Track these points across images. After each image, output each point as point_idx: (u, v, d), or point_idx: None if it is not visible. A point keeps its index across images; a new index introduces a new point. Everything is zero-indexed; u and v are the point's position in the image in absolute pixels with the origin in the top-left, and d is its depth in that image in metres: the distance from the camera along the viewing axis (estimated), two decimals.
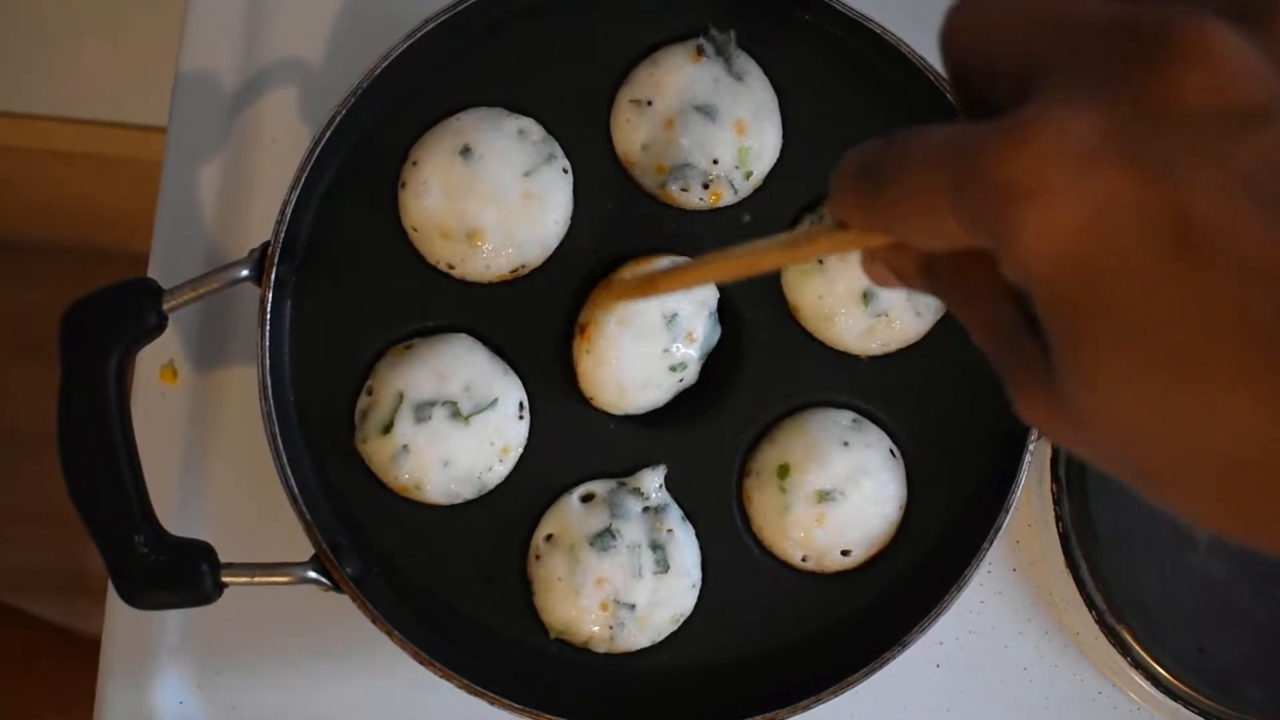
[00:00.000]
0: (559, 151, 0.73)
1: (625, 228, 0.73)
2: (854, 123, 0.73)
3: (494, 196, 0.71)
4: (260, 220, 0.79)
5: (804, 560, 0.71)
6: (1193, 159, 0.29)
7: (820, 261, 0.71)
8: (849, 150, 0.38)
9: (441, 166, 0.71)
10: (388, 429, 0.70)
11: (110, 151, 1.26)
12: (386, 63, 0.70)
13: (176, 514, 0.77)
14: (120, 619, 0.78)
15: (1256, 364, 0.29)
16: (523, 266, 0.72)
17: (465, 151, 0.71)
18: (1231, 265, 0.29)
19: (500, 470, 0.71)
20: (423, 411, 0.69)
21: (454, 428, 0.70)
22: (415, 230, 0.72)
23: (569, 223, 0.73)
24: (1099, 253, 0.30)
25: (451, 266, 0.72)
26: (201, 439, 0.78)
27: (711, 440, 0.72)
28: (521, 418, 0.71)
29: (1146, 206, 0.30)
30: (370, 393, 0.71)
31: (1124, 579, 0.77)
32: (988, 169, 0.31)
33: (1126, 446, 0.32)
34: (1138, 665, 0.76)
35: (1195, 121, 0.29)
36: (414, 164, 0.72)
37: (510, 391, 0.71)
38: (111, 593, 0.76)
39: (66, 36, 1.25)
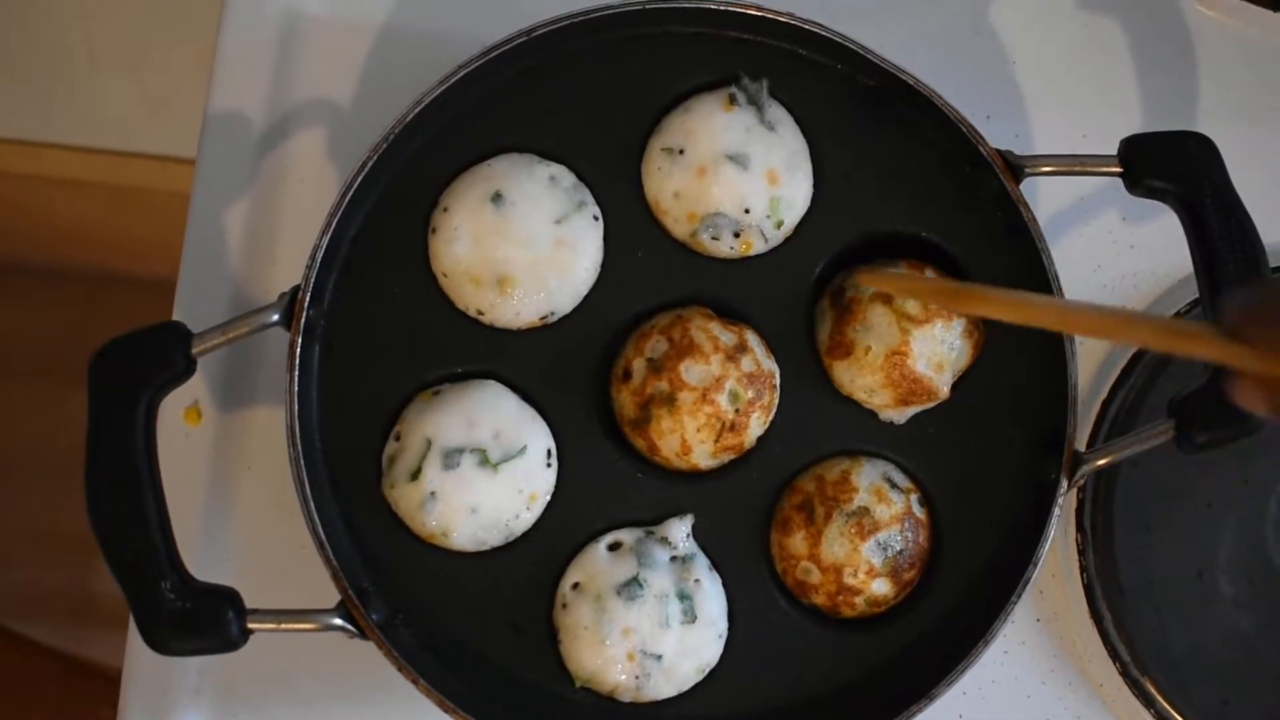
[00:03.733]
0: (590, 199, 0.73)
1: (656, 276, 0.73)
2: (886, 173, 0.73)
3: (525, 243, 0.71)
4: (286, 262, 0.79)
5: None
6: None
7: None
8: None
9: (472, 212, 0.71)
10: (415, 475, 0.69)
11: (126, 181, 1.26)
12: (419, 108, 0.70)
13: (199, 556, 0.76)
14: (140, 660, 0.77)
15: None
16: (552, 313, 0.72)
17: (497, 198, 0.71)
18: None
19: (528, 518, 0.71)
20: (451, 458, 0.69)
21: (482, 475, 0.69)
22: (445, 276, 0.72)
23: (599, 270, 0.72)
24: None
25: (481, 312, 0.72)
26: (225, 481, 0.78)
27: (739, 490, 0.72)
28: (550, 465, 0.71)
29: None
30: (398, 438, 0.71)
31: (1149, 631, 0.76)
32: None
33: None
34: (1162, 718, 0.76)
35: None
36: (445, 210, 0.72)
37: (539, 439, 0.71)
38: (132, 634, 0.76)
39: (86, 67, 1.25)
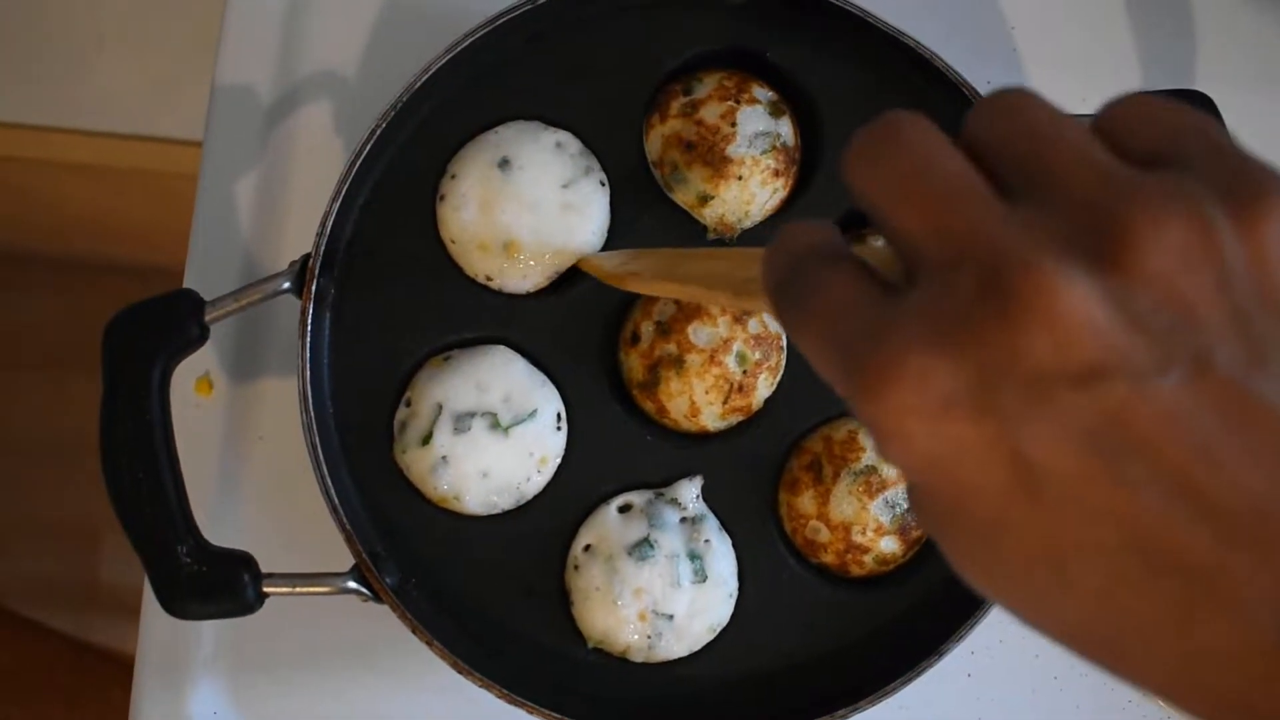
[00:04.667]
0: (596, 165, 0.73)
1: (661, 240, 0.73)
2: None
3: (532, 208, 0.71)
4: (296, 232, 0.80)
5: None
6: (1035, 415, 0.32)
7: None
8: (787, 232, 0.40)
9: (480, 179, 0.72)
10: (427, 440, 0.70)
11: (130, 164, 1.27)
12: (427, 76, 0.71)
13: (213, 527, 0.76)
14: (155, 629, 0.78)
15: (1104, 582, 0.34)
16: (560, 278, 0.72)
17: (504, 164, 0.71)
18: (1075, 506, 0.33)
19: (538, 481, 0.71)
20: (462, 422, 0.70)
21: (493, 439, 0.70)
22: (453, 242, 0.72)
23: (605, 235, 0.73)
24: (952, 486, 0.34)
25: (490, 278, 0.72)
26: (237, 451, 0.79)
27: (748, 451, 0.73)
28: (559, 428, 0.72)
29: (992, 457, 0.33)
30: (409, 404, 0.71)
31: None
32: (863, 397, 0.34)
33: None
34: None
35: (1040, 381, 0.32)
36: (452, 177, 0.72)
37: (549, 402, 0.72)
38: (146, 602, 0.76)
39: (90, 50, 1.25)
